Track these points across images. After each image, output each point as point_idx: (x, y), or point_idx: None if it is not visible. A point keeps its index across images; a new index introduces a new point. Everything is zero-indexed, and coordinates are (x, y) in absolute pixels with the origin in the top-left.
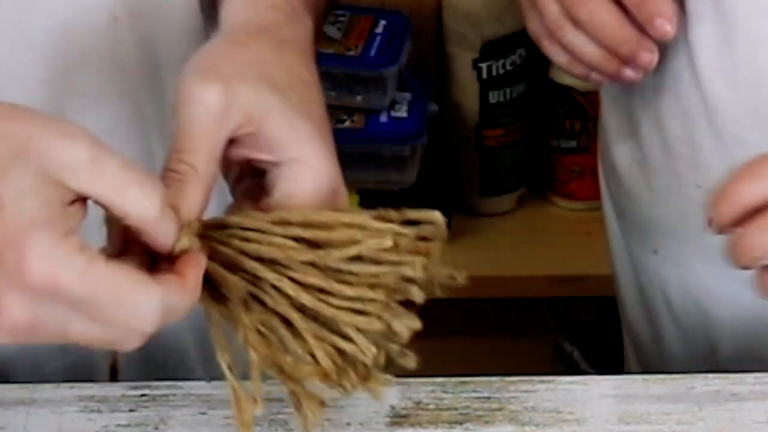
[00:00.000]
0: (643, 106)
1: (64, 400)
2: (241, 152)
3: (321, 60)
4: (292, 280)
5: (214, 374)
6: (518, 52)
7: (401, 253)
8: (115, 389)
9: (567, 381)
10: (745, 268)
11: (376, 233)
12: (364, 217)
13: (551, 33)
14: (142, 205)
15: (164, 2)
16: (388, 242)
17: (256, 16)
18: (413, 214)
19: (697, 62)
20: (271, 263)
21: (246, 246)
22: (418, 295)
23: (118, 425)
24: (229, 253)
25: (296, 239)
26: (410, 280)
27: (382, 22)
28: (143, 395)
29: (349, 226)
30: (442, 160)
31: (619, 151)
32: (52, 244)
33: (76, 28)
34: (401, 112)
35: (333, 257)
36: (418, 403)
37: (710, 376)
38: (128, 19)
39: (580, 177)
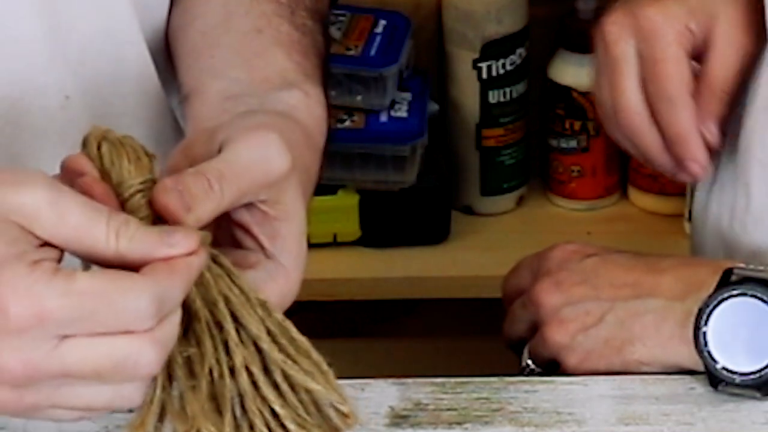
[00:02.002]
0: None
1: None
2: (246, 219)
3: None
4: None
5: None
6: (518, 52)
7: (332, 418)
8: None
9: (566, 381)
10: None
11: (336, 392)
12: (331, 372)
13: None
14: (111, 244)
15: (116, 74)
16: (346, 409)
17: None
18: (349, 405)
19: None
20: (237, 325)
21: (230, 294)
22: None
23: (118, 426)
24: (212, 286)
25: (268, 332)
26: None
27: (382, 22)
28: None
29: (317, 365)
30: (442, 160)
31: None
32: (24, 274)
33: (27, 110)
34: (401, 112)
35: (289, 375)
36: (417, 403)
37: None
38: (80, 97)
39: (580, 177)
